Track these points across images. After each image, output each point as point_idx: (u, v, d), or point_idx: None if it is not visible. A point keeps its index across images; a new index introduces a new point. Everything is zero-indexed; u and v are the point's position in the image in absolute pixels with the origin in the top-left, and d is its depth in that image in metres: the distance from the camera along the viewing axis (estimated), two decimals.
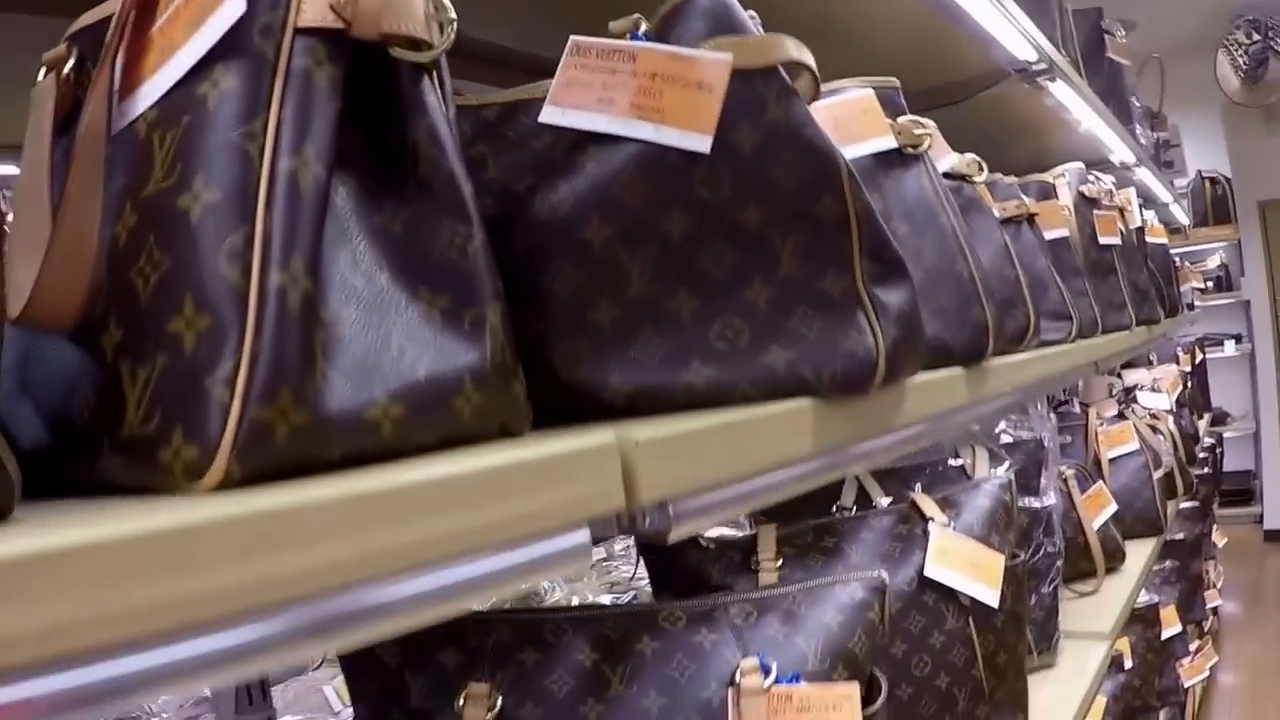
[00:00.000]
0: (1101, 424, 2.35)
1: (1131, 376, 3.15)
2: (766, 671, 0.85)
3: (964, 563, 1.23)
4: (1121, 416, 2.47)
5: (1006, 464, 1.62)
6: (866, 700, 0.93)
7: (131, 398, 0.39)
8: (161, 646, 0.29)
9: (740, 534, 1.29)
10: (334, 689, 1.43)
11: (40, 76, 0.53)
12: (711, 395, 0.69)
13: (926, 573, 1.21)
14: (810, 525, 1.28)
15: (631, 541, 1.42)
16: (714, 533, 1.27)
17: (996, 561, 1.25)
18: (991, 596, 1.23)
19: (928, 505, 1.29)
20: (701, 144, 0.69)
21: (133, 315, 0.41)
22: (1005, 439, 1.68)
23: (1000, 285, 1.24)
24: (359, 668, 0.86)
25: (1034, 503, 1.63)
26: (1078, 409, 2.43)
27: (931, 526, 1.25)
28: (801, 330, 0.72)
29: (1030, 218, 1.58)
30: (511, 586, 0.46)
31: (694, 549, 1.25)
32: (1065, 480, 2.02)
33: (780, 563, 1.22)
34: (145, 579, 0.29)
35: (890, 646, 1.19)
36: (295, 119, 0.44)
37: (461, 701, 0.79)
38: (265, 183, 0.42)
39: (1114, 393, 2.85)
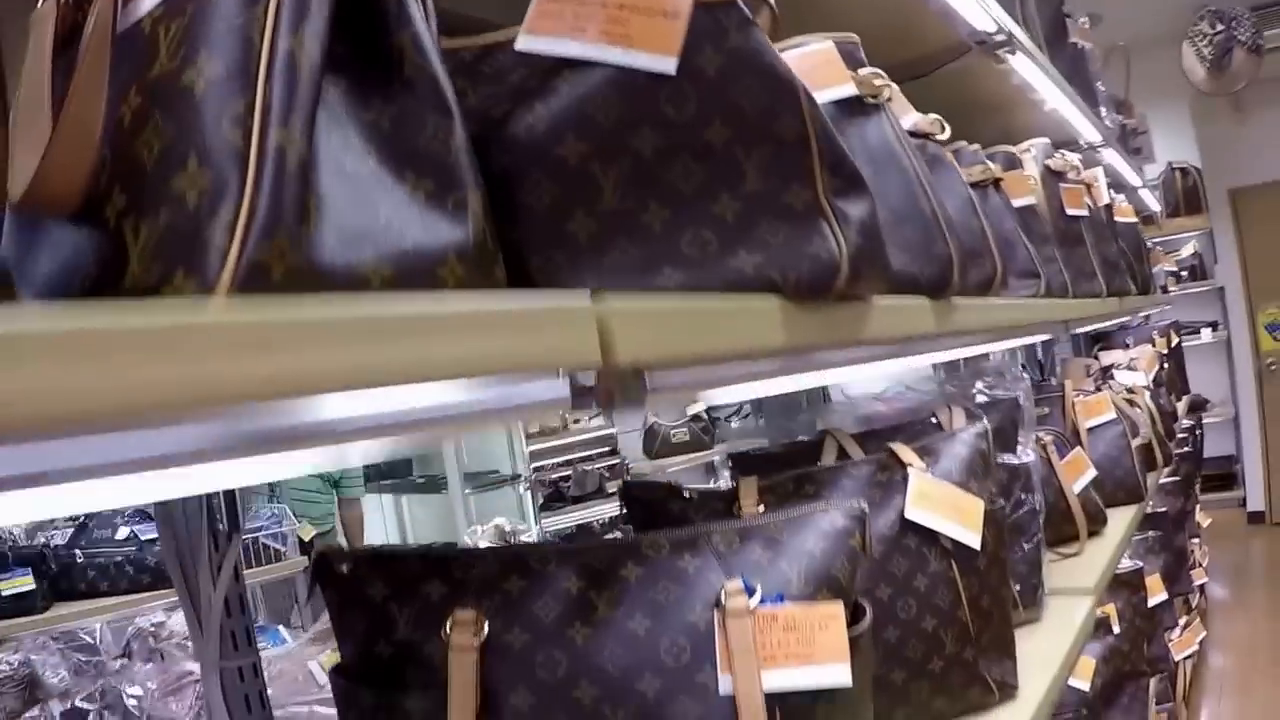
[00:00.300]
0: (1078, 395, 2.39)
1: (1109, 357, 3.20)
2: (751, 593, 0.87)
3: (944, 506, 1.26)
4: (1098, 390, 2.52)
5: (983, 422, 1.65)
6: (851, 623, 0.95)
7: (134, 253, 0.42)
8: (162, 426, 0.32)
9: (723, 487, 1.32)
10: (319, 664, 1.45)
11: (40, 2, 0.56)
12: None
13: (907, 515, 1.23)
14: (791, 475, 1.31)
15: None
16: (697, 485, 1.30)
17: (976, 505, 1.28)
18: (973, 539, 1.26)
19: (906, 453, 1.32)
20: (667, 65, 0.73)
21: (136, 181, 0.44)
22: (981, 399, 1.71)
23: (966, 235, 1.28)
24: (344, 603, 0.87)
25: (1012, 459, 1.66)
26: (1055, 385, 2.47)
27: (910, 471, 1.28)
28: (767, 238, 0.76)
29: (996, 182, 1.63)
30: (497, 421, 0.49)
31: (677, 498, 1.27)
32: (1044, 446, 2.05)
33: (762, 509, 1.24)
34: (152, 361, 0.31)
35: (875, 589, 1.22)
36: (293, 4, 0.47)
37: (449, 628, 0.79)
38: (265, 59, 0.45)
39: (1091, 373, 2.90)
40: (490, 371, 0.46)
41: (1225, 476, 6.65)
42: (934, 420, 1.60)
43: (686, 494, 1.30)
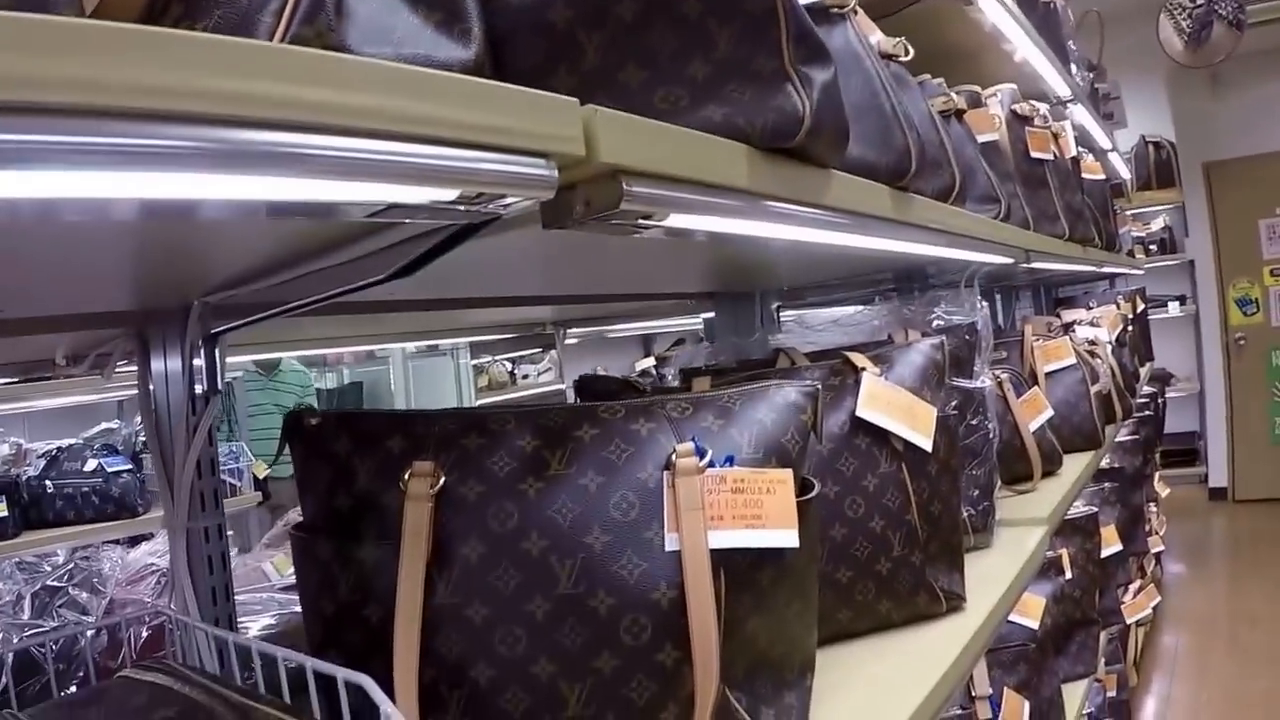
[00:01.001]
0: (1038, 340, 2.43)
1: (1071, 315, 3.24)
2: (701, 455, 0.90)
3: (896, 409, 1.28)
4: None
5: (940, 336, 1.68)
6: (803, 491, 0.98)
7: None
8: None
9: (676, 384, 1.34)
10: (272, 564, 1.48)
11: None
12: None
13: (859, 413, 1.26)
14: (743, 375, 1.34)
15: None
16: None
17: (929, 411, 1.31)
18: (924, 441, 1.28)
19: (859, 359, 1.35)
20: None
21: None
22: (938, 323, 1.74)
23: (927, 145, 1.31)
24: (309, 456, 0.89)
25: (967, 384, 1.69)
26: (1015, 330, 2.50)
27: (864, 375, 1.30)
28: (735, 95, 0.82)
29: (959, 114, 1.65)
30: (478, 184, 0.52)
31: (631, 391, 1.30)
32: (1000, 383, 2.09)
33: None
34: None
35: (823, 487, 1.24)
36: None
37: (406, 478, 0.82)
38: None
39: (1052, 329, 2.94)
40: (482, 138, 0.50)
41: (1188, 453, 6.76)
42: (889, 341, 1.63)
43: (639, 385, 1.32)
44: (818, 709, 1.04)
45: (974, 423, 1.71)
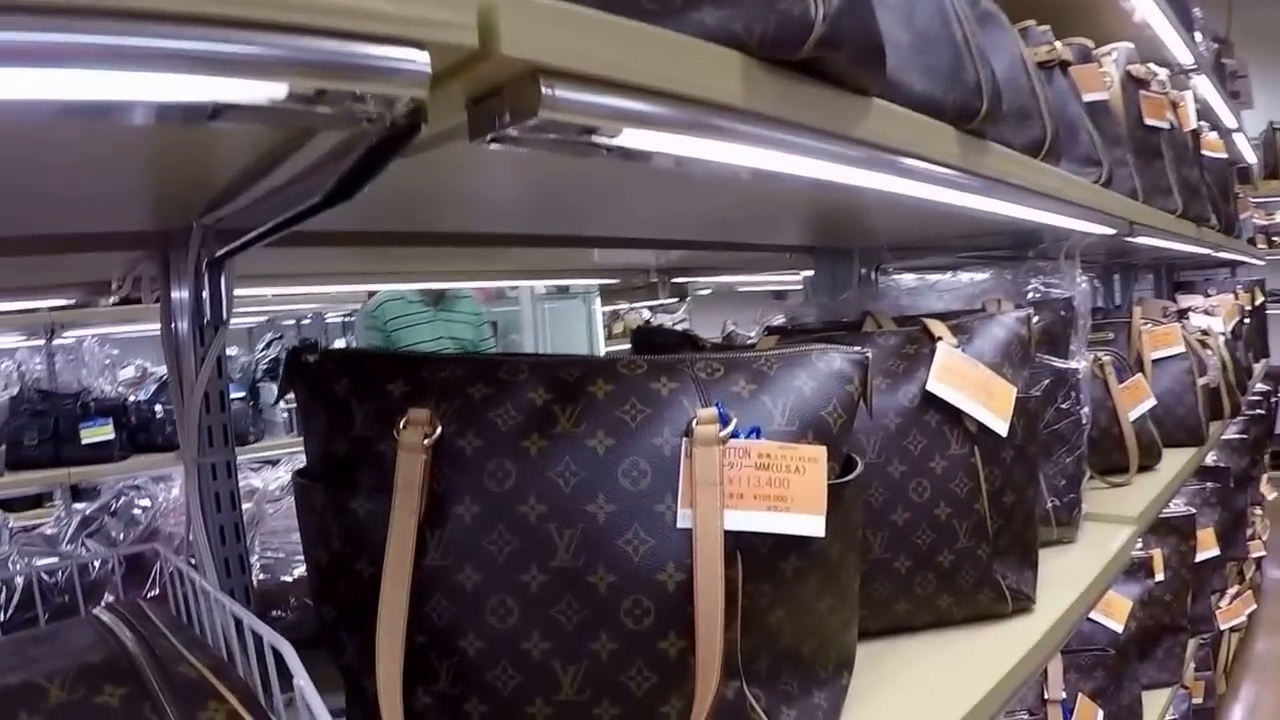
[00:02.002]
0: (1146, 324, 2.22)
1: (1187, 301, 3.01)
2: (725, 422, 0.77)
3: (971, 385, 1.12)
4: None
5: (1028, 309, 1.51)
6: (838, 476, 0.84)
7: None
8: None
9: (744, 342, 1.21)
10: None
11: None
12: None
13: (929, 387, 1.11)
14: (811, 336, 1.19)
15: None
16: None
17: (1008, 390, 1.15)
18: (999, 424, 1.12)
19: (937, 327, 1.19)
20: None
21: None
22: (1034, 296, 1.56)
23: (1013, 93, 1.14)
24: (309, 397, 0.80)
25: (1059, 363, 1.51)
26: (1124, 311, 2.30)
27: (940, 345, 1.15)
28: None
29: (1063, 66, 1.47)
30: (314, 76, 0.40)
31: (691, 346, 1.17)
32: (1101, 366, 1.90)
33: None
34: None
35: (887, 465, 1.10)
36: None
37: (401, 427, 0.74)
38: None
39: (1167, 313, 2.72)
40: (323, 21, 0.38)
41: None
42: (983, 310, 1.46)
43: (701, 343, 1.19)
44: (851, 710, 0.91)
45: (1064, 406, 1.53)
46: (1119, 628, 1.88)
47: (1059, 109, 1.42)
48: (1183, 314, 2.78)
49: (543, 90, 0.49)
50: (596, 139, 0.57)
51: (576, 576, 0.72)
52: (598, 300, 5.88)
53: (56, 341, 3.68)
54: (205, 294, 0.98)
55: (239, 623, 0.72)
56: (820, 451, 0.78)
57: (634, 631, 0.72)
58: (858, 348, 0.87)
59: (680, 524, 0.74)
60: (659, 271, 2.27)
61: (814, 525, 0.76)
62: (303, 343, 0.89)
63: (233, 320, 1.00)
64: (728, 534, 0.74)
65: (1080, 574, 1.35)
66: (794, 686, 0.83)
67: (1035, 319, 1.51)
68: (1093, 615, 1.89)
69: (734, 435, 0.78)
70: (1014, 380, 1.17)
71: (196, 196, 0.84)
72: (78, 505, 1.73)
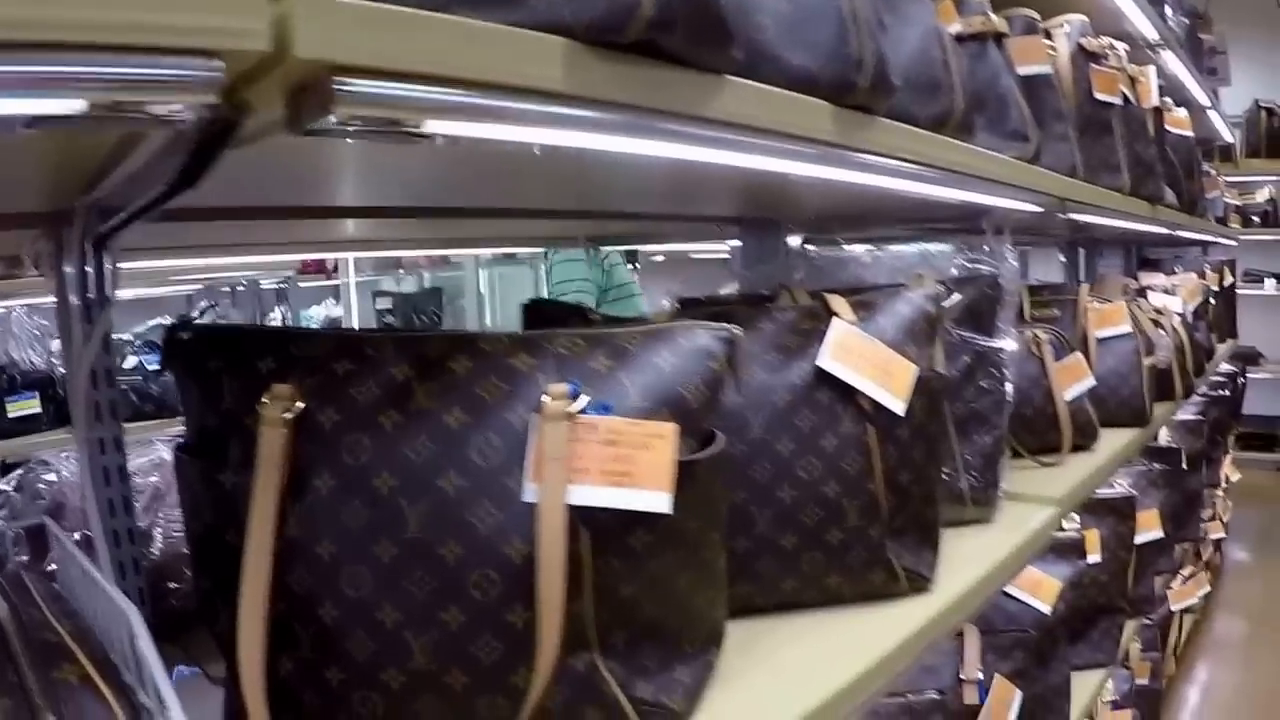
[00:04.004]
0: (1093, 301, 2.22)
1: (1149, 279, 3.01)
2: (576, 398, 0.78)
3: (867, 363, 1.12)
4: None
5: (954, 297, 1.50)
6: (703, 449, 0.84)
7: None
8: None
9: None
10: None
11: None
12: None
13: (819, 363, 1.10)
14: (707, 310, 1.19)
15: None
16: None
17: (907, 369, 1.14)
18: (896, 403, 1.12)
19: (837, 303, 1.18)
20: None
21: None
22: (958, 273, 1.56)
23: (923, 65, 1.13)
24: (184, 374, 0.81)
25: (982, 341, 1.51)
26: (1071, 288, 2.30)
27: (834, 321, 1.14)
28: None
29: (997, 38, 1.46)
30: (130, 93, 0.43)
31: (581, 320, 1.17)
32: (1038, 344, 1.90)
33: None
34: None
35: (775, 442, 1.09)
36: None
37: (265, 401, 0.75)
38: None
39: (1126, 291, 2.72)
40: (120, 38, 0.40)
41: (1267, 437, 6.38)
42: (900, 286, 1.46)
43: (593, 317, 1.19)
44: (716, 687, 0.92)
45: (984, 385, 1.53)
46: (1046, 608, 1.89)
47: (988, 82, 1.41)
48: (1142, 292, 2.78)
49: (335, 88, 0.51)
50: (411, 129, 0.57)
51: (427, 549, 0.74)
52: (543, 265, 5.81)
53: None
54: (91, 271, 0.98)
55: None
56: (669, 429, 0.78)
57: (482, 603, 0.74)
58: (726, 326, 0.86)
59: (527, 498, 0.75)
60: (589, 240, 2.26)
61: (659, 501, 0.77)
62: (179, 321, 0.89)
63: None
64: (574, 509, 0.75)
65: (989, 554, 1.36)
66: (654, 661, 0.84)
67: (956, 296, 1.52)
68: (1019, 595, 1.91)
69: (583, 411, 0.78)
70: (918, 359, 1.17)
71: (76, 178, 0.85)
72: None
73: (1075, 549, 2.03)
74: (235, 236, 1.60)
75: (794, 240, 1.92)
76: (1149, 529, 2.44)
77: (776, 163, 0.86)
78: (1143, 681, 2.84)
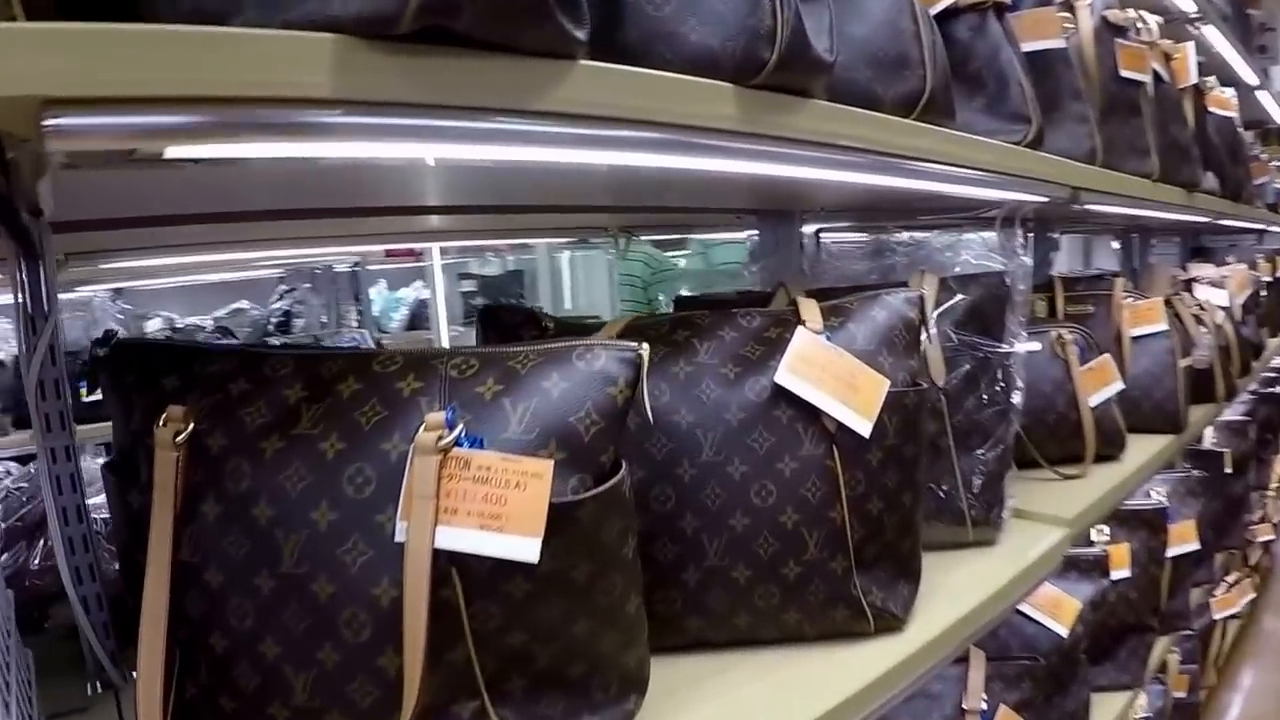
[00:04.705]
0: (1129, 297, 2.07)
1: (1198, 269, 2.84)
2: (453, 428, 0.70)
3: (831, 377, 1.00)
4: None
5: (957, 298, 1.37)
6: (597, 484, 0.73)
7: None
8: None
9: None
10: None
11: None
12: None
13: (777, 378, 0.98)
14: (669, 317, 1.08)
15: None
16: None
17: (876, 384, 1.02)
18: (861, 423, 1.00)
19: (808, 309, 1.06)
20: None
21: None
22: (962, 270, 1.42)
23: (890, 39, 1.00)
24: (106, 389, 0.80)
25: (992, 346, 1.38)
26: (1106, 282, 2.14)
27: (798, 331, 1.02)
28: None
29: (998, 8, 1.32)
30: None
31: (533, 327, 1.10)
32: (1062, 345, 1.76)
33: None
34: None
35: (726, 465, 0.98)
36: None
37: (161, 423, 0.73)
38: None
39: (1174, 283, 2.55)
40: None
41: None
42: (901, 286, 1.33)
43: (545, 323, 1.08)
44: None
45: (987, 395, 1.40)
46: (1064, 630, 1.76)
47: (987, 59, 1.28)
48: (1188, 284, 2.62)
49: (43, 124, 0.44)
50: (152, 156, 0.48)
51: (301, 584, 0.70)
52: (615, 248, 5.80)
53: None
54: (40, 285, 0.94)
55: None
56: (545, 466, 0.68)
57: (354, 645, 0.70)
58: (631, 345, 0.75)
59: (398, 537, 0.69)
60: (621, 230, 2.20)
61: (527, 549, 0.68)
62: (105, 335, 0.82)
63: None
64: (444, 552, 0.69)
65: (982, 585, 1.23)
66: (558, 710, 0.77)
67: (959, 297, 1.39)
68: (1036, 616, 1.78)
69: (458, 444, 0.68)
70: (893, 371, 1.05)
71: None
72: None
73: (1099, 566, 1.89)
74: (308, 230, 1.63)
75: (809, 229, 1.80)
76: (1184, 541, 2.28)
77: (652, 157, 0.74)
78: (1180, 695, 2.69)
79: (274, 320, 4.56)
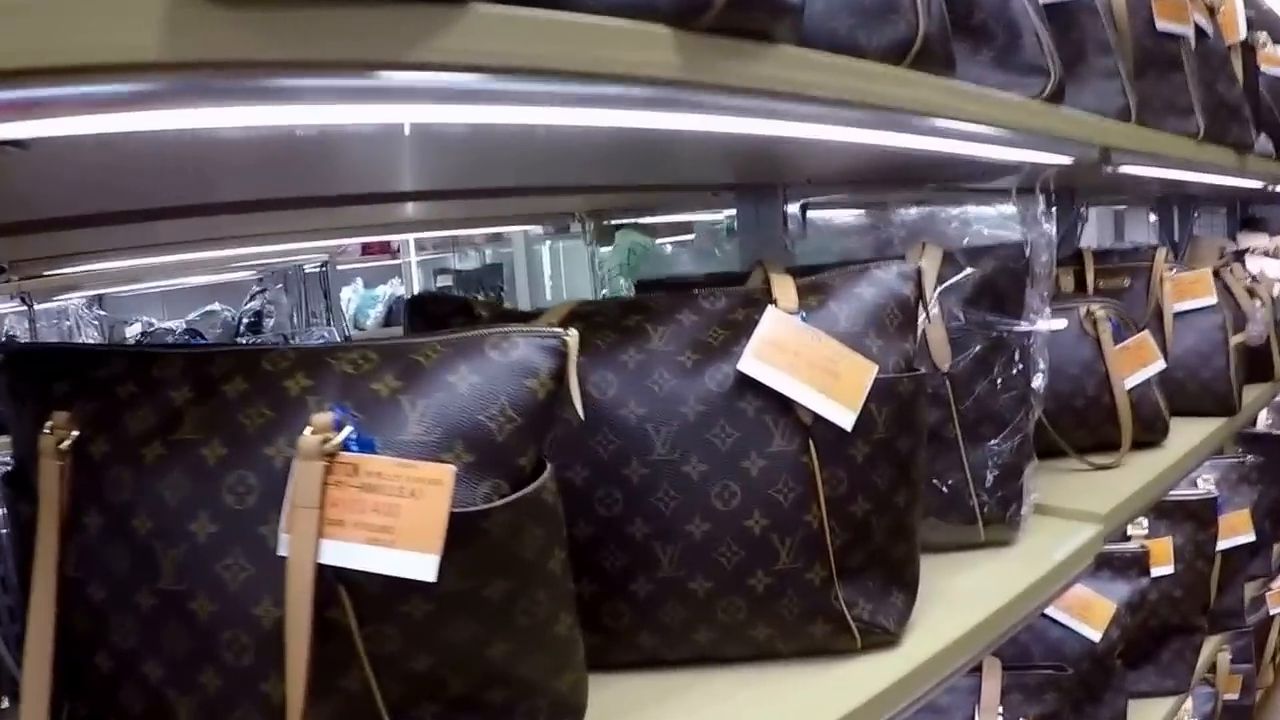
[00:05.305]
0: (1172, 268, 2.00)
1: (1249, 240, 2.77)
2: (341, 429, 0.66)
3: (807, 364, 0.95)
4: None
5: (966, 272, 1.32)
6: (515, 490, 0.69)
7: None
8: None
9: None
10: None
11: None
12: None
13: (740, 366, 0.94)
14: (619, 301, 1.03)
15: None
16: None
17: (861, 370, 0.97)
18: (842, 414, 0.95)
19: (782, 286, 1.01)
20: None
21: None
22: (974, 241, 1.37)
23: None
24: (6, 394, 0.78)
25: (1008, 325, 1.32)
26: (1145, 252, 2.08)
27: (768, 311, 0.97)
28: None
29: None
30: None
31: (464, 316, 1.04)
32: (1094, 321, 1.70)
33: None
34: None
35: (682, 464, 0.93)
36: None
37: (47, 431, 0.72)
38: None
39: (1223, 256, 2.48)
40: None
41: None
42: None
43: (479, 312, 1.04)
44: None
45: (1002, 380, 1.34)
46: (1096, 635, 1.71)
47: (997, 7, 1.22)
48: (1239, 256, 2.55)
49: None
50: None
51: (180, 601, 0.68)
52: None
53: None
54: None
55: None
56: (445, 472, 0.64)
57: (236, 669, 0.68)
58: (556, 329, 0.71)
59: (281, 551, 0.66)
60: (589, 214, 2.20)
61: (422, 567, 0.64)
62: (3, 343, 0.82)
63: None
64: (331, 568, 0.65)
65: (993, 593, 1.18)
66: None
67: (969, 270, 1.33)
68: (1063, 620, 1.73)
69: (346, 447, 0.65)
70: (882, 355, 1.00)
71: None
72: None
73: (1137, 564, 1.83)
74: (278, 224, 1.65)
75: (794, 208, 1.75)
76: (1237, 533, 2.22)
77: (574, 113, 0.69)
78: (1231, 697, 2.64)
79: (245, 321, 4.66)
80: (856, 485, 0.97)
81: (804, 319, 0.98)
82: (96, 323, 3.98)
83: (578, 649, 0.78)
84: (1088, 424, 1.72)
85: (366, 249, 6.08)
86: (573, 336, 0.72)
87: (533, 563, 0.70)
